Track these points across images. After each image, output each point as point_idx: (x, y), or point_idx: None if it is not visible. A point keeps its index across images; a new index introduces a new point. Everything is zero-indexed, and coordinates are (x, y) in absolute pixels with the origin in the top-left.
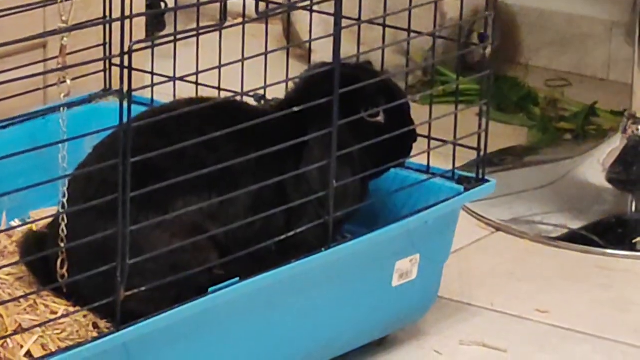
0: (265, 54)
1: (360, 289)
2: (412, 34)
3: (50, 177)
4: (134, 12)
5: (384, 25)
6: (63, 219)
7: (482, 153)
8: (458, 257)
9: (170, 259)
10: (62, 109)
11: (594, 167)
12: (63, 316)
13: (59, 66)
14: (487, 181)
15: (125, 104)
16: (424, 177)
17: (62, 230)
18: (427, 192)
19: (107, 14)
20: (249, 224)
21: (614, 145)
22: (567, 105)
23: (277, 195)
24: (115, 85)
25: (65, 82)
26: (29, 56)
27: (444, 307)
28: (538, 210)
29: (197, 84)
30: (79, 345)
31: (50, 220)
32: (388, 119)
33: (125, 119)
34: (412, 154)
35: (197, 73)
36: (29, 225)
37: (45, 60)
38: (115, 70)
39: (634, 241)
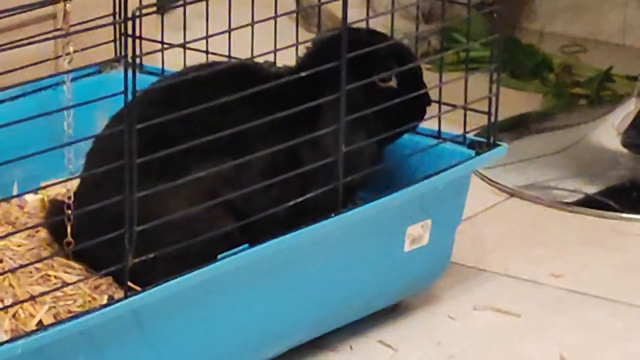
0: (275, 17)
1: (372, 254)
2: None
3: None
4: None
5: None
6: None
7: (492, 117)
8: (472, 223)
9: (187, 227)
10: (66, 76)
11: (608, 131)
12: (66, 285)
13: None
14: (498, 145)
15: (130, 71)
16: (435, 142)
17: (70, 198)
18: (439, 157)
19: None
20: (265, 191)
21: (629, 109)
22: (582, 71)
23: (292, 161)
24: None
25: (69, 51)
26: (39, 27)
27: (457, 273)
28: (552, 175)
29: (207, 52)
30: (88, 312)
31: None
32: (400, 83)
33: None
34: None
35: (206, 37)
36: (40, 196)
37: (55, 31)
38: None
39: None
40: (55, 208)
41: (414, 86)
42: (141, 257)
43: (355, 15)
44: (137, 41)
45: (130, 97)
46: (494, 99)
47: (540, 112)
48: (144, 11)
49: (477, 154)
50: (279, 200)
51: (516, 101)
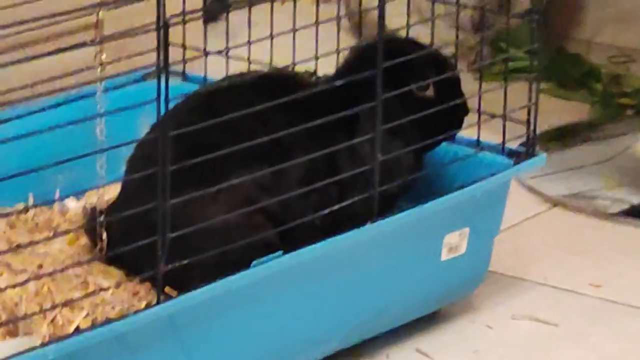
0: (317, 24)
1: (409, 262)
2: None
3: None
4: None
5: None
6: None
7: (531, 127)
8: (514, 232)
9: (226, 234)
10: (98, 84)
11: None
12: (100, 291)
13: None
14: (537, 155)
15: (163, 80)
16: (473, 151)
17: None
18: (478, 166)
19: None
20: (303, 199)
21: None
22: (630, 81)
23: (330, 169)
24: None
25: (102, 60)
26: (84, 36)
27: (497, 282)
28: (596, 185)
29: (249, 60)
30: (121, 317)
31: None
32: (438, 92)
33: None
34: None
35: (249, 44)
36: (83, 203)
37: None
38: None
39: None
40: (95, 214)
41: (452, 95)
42: (175, 263)
43: (400, 24)
44: (180, 50)
45: (163, 105)
46: (533, 108)
47: (586, 122)
48: (185, 18)
49: (516, 163)
50: (317, 209)
51: (562, 111)
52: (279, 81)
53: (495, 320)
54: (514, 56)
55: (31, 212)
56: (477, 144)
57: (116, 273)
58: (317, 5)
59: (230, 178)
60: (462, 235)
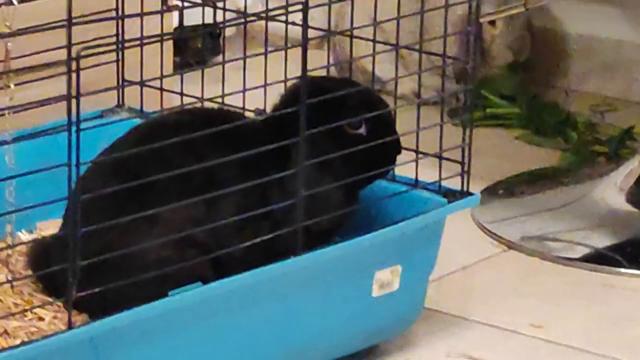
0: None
1: (337, 298)
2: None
3: (58, 187)
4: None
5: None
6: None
7: (465, 167)
8: (464, 273)
9: (159, 268)
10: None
11: (611, 188)
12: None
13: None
14: (472, 194)
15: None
16: (408, 189)
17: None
18: (414, 204)
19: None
20: (237, 234)
21: (632, 166)
22: (606, 129)
23: (262, 205)
24: (129, 101)
25: (9, 87)
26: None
27: (439, 321)
28: (552, 229)
29: (222, 104)
30: (43, 338)
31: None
32: (370, 130)
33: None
34: (401, 166)
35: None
36: (35, 235)
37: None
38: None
39: (639, 259)
40: (39, 246)
41: (384, 133)
42: (89, 290)
43: (387, 70)
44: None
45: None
46: (466, 148)
47: (555, 168)
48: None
49: (450, 202)
50: (251, 245)
51: (536, 157)
52: (218, 118)
53: (430, 358)
54: (493, 103)
55: None
56: (416, 183)
57: (56, 302)
58: (286, 56)
59: (164, 213)
60: (394, 273)
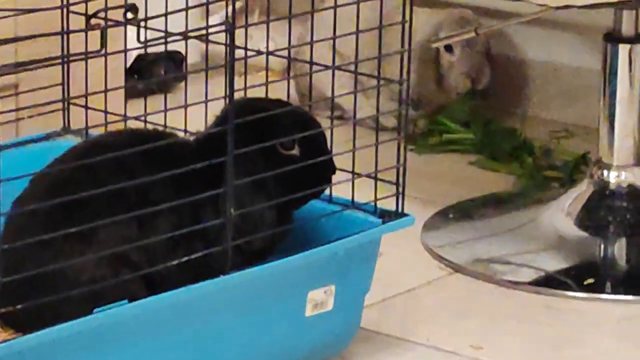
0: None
1: (269, 317)
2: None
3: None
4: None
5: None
6: None
7: (400, 188)
8: (409, 295)
9: (94, 289)
10: None
11: (560, 212)
12: None
13: None
14: (406, 215)
15: None
16: (342, 209)
17: None
18: (350, 225)
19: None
20: (170, 255)
21: (580, 190)
22: (562, 155)
23: (196, 225)
24: (74, 124)
25: None
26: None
27: (380, 342)
28: (499, 253)
29: (164, 126)
30: None
31: None
32: (303, 150)
33: None
34: (338, 187)
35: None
36: None
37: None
38: (74, 109)
39: (585, 283)
40: None
41: (317, 154)
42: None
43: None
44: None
45: None
46: (401, 169)
47: (507, 192)
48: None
49: (384, 223)
50: (185, 265)
51: (490, 182)
52: (153, 139)
53: None
54: (450, 129)
55: None
56: (352, 204)
57: None
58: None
59: (98, 232)
60: (328, 292)
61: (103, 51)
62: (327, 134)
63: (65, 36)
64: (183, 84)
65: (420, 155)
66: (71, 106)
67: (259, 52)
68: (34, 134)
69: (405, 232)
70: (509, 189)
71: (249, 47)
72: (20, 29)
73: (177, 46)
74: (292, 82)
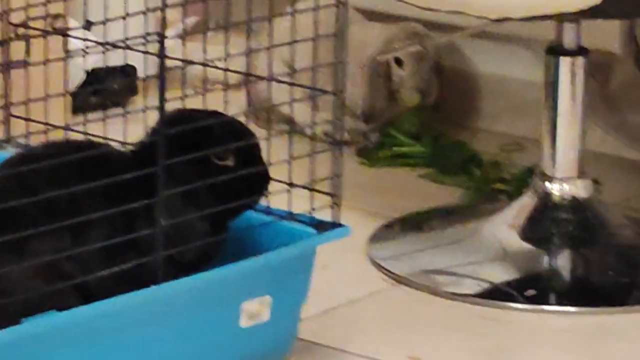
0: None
1: (202, 328)
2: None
3: None
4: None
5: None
6: None
7: (335, 198)
8: (350, 306)
9: (28, 300)
10: None
11: (503, 224)
12: None
13: None
14: (342, 226)
15: None
16: (276, 220)
17: None
18: (286, 236)
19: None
20: (104, 265)
21: (524, 202)
22: (511, 168)
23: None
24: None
25: None
26: None
27: (318, 353)
28: (442, 264)
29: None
30: None
31: None
32: (238, 161)
33: None
34: (277, 198)
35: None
36: None
37: None
38: (14, 121)
39: (525, 294)
40: None
41: (252, 164)
42: None
43: (300, 110)
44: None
45: None
46: (337, 179)
47: (454, 205)
48: None
49: (319, 233)
50: (119, 277)
51: (438, 195)
52: (86, 150)
53: None
54: (400, 142)
55: None
56: (290, 215)
57: None
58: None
59: (32, 243)
60: (264, 303)
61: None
62: (284, 147)
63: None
64: (137, 97)
65: (370, 169)
66: (14, 118)
67: (188, 62)
68: None
69: (350, 245)
70: (458, 202)
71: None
72: None
73: (135, 60)
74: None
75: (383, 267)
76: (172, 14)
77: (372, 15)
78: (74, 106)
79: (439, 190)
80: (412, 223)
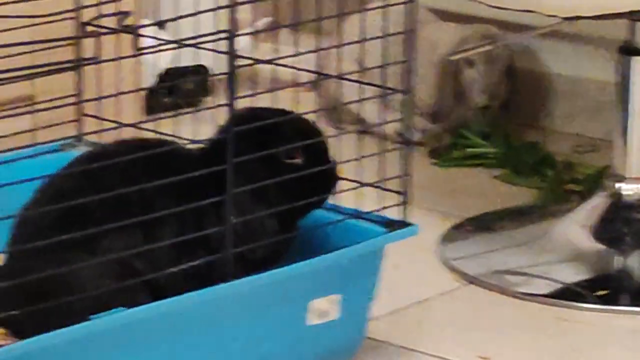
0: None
1: (271, 326)
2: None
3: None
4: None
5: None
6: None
7: (404, 197)
8: (420, 306)
9: (99, 297)
10: None
11: (575, 224)
12: None
13: None
14: (411, 225)
15: None
16: (345, 219)
17: None
18: (355, 234)
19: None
20: (174, 262)
21: (596, 202)
22: (584, 169)
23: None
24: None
25: None
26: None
27: (387, 352)
28: (513, 265)
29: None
30: None
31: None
32: (306, 159)
33: None
34: (347, 197)
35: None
36: None
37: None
38: (85, 120)
39: (596, 294)
40: None
41: (320, 162)
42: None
43: (372, 109)
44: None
45: None
46: (406, 178)
47: (525, 205)
48: None
49: (388, 232)
50: (189, 274)
51: (511, 196)
52: (156, 148)
53: None
54: (474, 143)
55: None
56: (357, 213)
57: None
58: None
59: (103, 242)
60: (332, 301)
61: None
62: (354, 146)
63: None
64: (210, 98)
65: (442, 169)
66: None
67: (258, 61)
68: (50, 143)
69: (421, 245)
70: (530, 202)
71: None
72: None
73: (207, 60)
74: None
75: (454, 267)
76: (245, 14)
77: (445, 16)
78: (147, 106)
79: (510, 191)
80: (484, 223)
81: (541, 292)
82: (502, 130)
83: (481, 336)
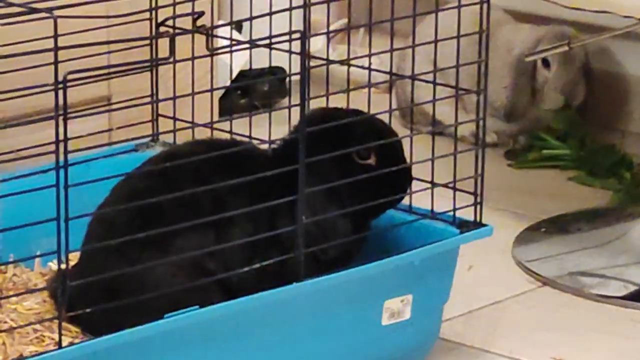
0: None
1: (344, 325)
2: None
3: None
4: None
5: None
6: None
7: (478, 198)
8: (495, 307)
9: (172, 296)
10: None
11: None
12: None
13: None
14: (484, 225)
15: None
16: (418, 219)
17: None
18: (428, 234)
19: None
20: (247, 262)
21: None
22: None
23: (272, 235)
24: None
25: None
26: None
27: (462, 353)
28: (589, 266)
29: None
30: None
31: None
32: (379, 160)
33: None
34: (420, 198)
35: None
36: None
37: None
38: (160, 120)
39: None
40: (57, 276)
41: (393, 163)
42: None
43: (446, 111)
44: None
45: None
46: (479, 179)
47: (601, 207)
48: None
49: (462, 233)
50: (261, 274)
51: (587, 197)
52: (229, 148)
53: None
54: (549, 144)
55: (10, 272)
56: (432, 214)
57: (73, 329)
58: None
59: (176, 241)
60: (405, 302)
61: (172, 59)
62: (428, 147)
63: (154, 46)
64: (286, 99)
65: (518, 170)
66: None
67: (330, 62)
68: (126, 143)
69: (496, 246)
70: (606, 204)
71: (352, 63)
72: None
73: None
74: (394, 97)
75: (529, 269)
76: (321, 16)
77: (521, 17)
78: (222, 108)
79: (586, 193)
80: (559, 225)
81: (616, 294)
82: (578, 132)
83: (555, 338)
